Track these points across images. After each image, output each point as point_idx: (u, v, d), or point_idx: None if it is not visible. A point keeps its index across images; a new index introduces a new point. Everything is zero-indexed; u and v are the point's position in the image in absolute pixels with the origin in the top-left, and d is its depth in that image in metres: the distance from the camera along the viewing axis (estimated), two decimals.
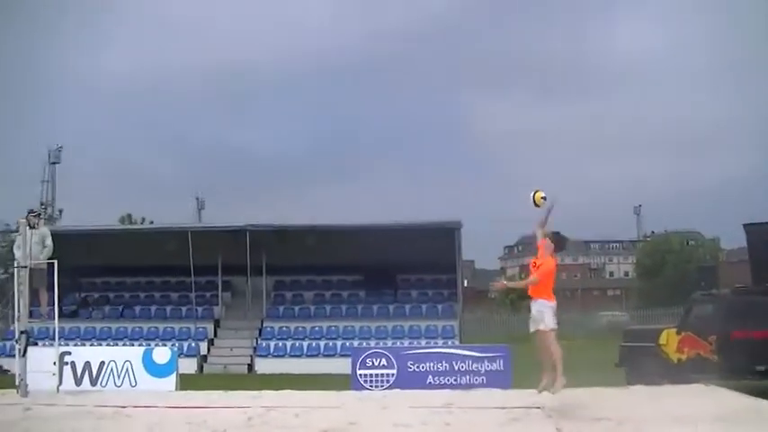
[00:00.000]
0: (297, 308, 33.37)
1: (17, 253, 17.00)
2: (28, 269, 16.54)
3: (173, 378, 18.07)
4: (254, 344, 30.44)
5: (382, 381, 18.04)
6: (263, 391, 17.01)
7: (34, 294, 17.10)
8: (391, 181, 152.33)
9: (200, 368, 28.65)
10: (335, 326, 31.27)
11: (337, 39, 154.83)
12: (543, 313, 12.29)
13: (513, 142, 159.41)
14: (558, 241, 12.92)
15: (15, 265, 17.28)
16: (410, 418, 12.47)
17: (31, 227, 16.96)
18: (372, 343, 27.13)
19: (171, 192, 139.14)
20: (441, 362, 18.33)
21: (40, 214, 18.70)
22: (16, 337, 17.09)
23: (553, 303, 12.37)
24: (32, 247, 16.76)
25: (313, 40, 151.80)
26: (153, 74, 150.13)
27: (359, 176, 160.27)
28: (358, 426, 11.72)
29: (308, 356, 29.48)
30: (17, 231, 18.01)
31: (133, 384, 17.96)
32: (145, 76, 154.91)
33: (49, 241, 17.10)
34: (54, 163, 68.46)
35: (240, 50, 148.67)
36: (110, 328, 32.08)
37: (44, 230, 17.47)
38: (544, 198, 12.98)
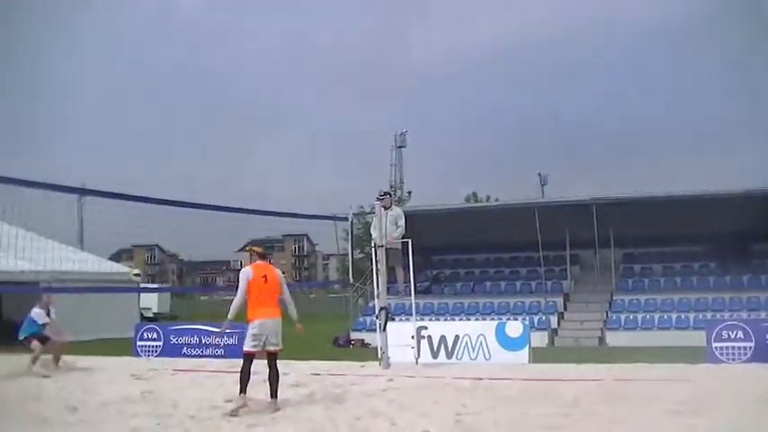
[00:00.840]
0: (646, 280, 32.81)
1: (374, 233, 17.88)
2: (384, 248, 17.38)
3: (525, 351, 18.33)
4: (605, 317, 30.26)
5: (740, 354, 17.39)
6: (616, 364, 16.99)
7: (391, 272, 17.90)
8: (741, 147, 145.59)
9: (552, 341, 28.82)
10: (687, 298, 30.44)
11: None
12: None
13: None
14: None
15: (372, 245, 18.20)
16: None
17: (386, 208, 17.76)
18: (726, 315, 26.26)
19: (512, 169, 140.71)
20: None
21: (390, 194, 19.48)
22: (376, 312, 18.03)
23: None
24: (387, 227, 17.56)
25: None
26: (487, 52, 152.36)
27: (706, 144, 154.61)
28: (716, 398, 11.48)
29: (659, 329, 28.89)
30: (372, 213, 18.90)
31: (487, 357, 18.38)
32: (480, 55, 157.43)
33: (401, 222, 17.77)
34: (400, 147, 70.87)
35: (574, 20, 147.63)
36: (461, 303, 32.93)
37: (397, 211, 18.18)
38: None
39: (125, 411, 11.70)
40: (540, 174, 74.47)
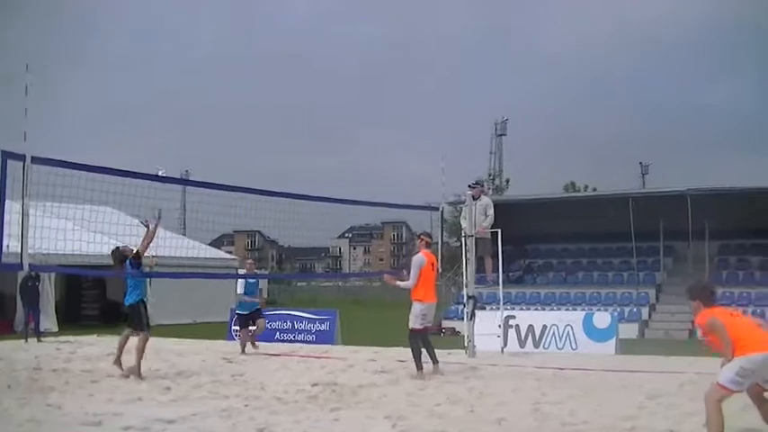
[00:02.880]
0: (741, 273, 32.32)
1: (463, 223, 18.14)
2: (473, 238, 17.62)
3: (612, 342, 18.46)
4: None
5: None
6: (702, 357, 16.92)
7: (480, 262, 18.13)
8: None
9: (642, 333, 28.69)
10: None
11: None
12: None
13: None
14: None
15: (462, 234, 18.46)
16: None
17: (475, 198, 17.97)
18: None
19: (614, 158, 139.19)
20: None
21: (480, 184, 19.72)
22: (464, 301, 18.32)
23: None
24: (476, 217, 17.78)
25: None
26: (585, 40, 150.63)
27: None
28: None
29: None
30: (465, 203, 19.15)
31: (574, 348, 18.57)
32: (575, 42, 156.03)
33: (490, 211, 17.93)
34: (500, 135, 70.79)
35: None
36: (553, 293, 32.93)
37: (486, 201, 18.33)
38: None
39: (216, 393, 12.21)
40: (641, 163, 73.94)
